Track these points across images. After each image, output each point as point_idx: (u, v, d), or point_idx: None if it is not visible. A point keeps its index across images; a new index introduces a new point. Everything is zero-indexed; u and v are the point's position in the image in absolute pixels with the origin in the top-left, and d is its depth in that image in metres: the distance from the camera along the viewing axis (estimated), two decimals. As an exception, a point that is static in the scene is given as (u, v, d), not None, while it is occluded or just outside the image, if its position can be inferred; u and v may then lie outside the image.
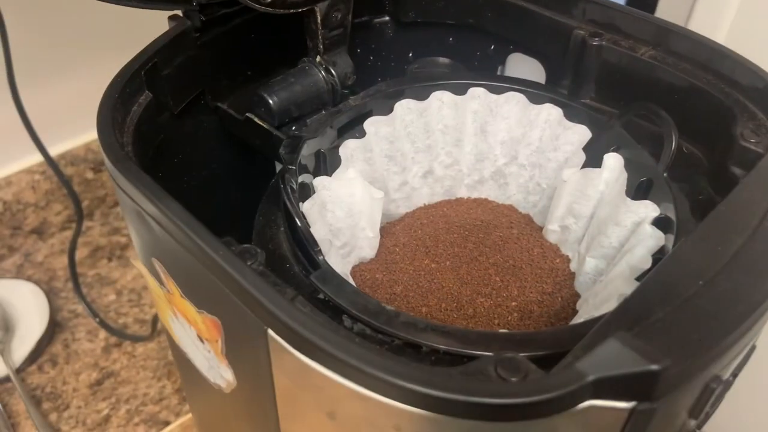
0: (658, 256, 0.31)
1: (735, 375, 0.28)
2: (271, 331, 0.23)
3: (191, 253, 0.25)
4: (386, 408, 0.21)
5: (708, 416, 0.29)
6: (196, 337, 0.29)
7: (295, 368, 0.23)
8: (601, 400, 0.21)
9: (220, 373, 0.29)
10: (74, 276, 0.66)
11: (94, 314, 0.65)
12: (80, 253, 0.69)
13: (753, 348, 0.29)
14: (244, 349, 0.26)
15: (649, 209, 0.33)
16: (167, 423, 0.60)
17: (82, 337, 0.65)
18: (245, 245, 0.26)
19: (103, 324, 0.65)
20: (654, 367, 0.21)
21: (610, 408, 0.21)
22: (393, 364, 0.21)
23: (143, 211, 0.26)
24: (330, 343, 0.21)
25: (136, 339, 0.65)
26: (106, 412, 0.60)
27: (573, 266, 0.38)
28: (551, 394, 0.20)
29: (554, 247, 0.39)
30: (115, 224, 0.72)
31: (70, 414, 0.59)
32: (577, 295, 0.36)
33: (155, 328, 0.66)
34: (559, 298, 0.36)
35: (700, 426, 0.29)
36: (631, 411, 0.21)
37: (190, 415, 0.60)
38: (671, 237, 0.31)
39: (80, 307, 0.66)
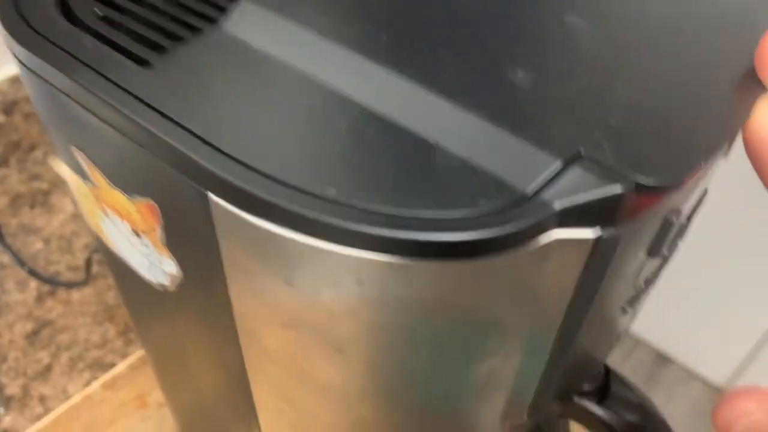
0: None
1: (689, 218, 0.28)
2: (212, 195, 0.21)
3: (114, 125, 0.22)
4: (346, 260, 0.20)
5: (665, 261, 0.29)
6: (131, 233, 0.27)
7: (244, 234, 0.21)
8: (566, 228, 0.20)
9: (162, 269, 0.27)
10: (-6, 225, 0.61)
11: (22, 263, 0.61)
12: (-1, 202, 0.64)
13: (705, 192, 0.29)
14: (185, 229, 0.24)
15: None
16: (113, 365, 0.58)
17: (12, 288, 0.61)
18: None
19: (33, 273, 0.61)
20: (618, 187, 0.20)
21: (574, 240, 0.21)
22: (350, 210, 0.19)
23: (56, 88, 0.23)
24: (280, 195, 0.20)
25: (70, 285, 0.61)
26: (47, 361, 0.57)
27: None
28: (506, 227, 0.19)
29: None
30: (34, 170, 0.67)
31: (8, 366, 0.56)
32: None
33: (89, 272, 0.62)
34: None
35: (656, 275, 0.29)
36: (596, 241, 0.21)
37: (137, 356, 0.58)
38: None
39: (6, 258, 0.62)
